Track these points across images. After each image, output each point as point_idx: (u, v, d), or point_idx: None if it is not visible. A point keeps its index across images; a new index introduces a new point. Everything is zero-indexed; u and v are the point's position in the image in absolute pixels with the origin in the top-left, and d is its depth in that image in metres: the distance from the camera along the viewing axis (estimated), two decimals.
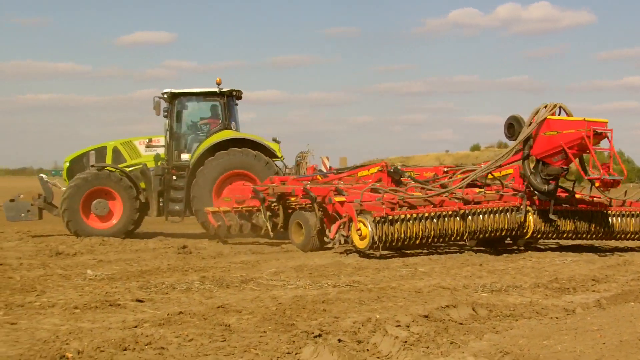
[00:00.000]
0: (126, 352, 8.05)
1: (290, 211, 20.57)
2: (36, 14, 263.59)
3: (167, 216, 23.67)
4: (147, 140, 24.28)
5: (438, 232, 17.88)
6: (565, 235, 19.48)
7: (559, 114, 18.49)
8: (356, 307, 11.11)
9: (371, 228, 17.05)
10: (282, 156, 23.80)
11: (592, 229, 19.64)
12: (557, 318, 10.41)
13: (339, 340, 8.56)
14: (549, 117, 18.19)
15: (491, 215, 18.42)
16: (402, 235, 17.45)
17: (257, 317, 10.23)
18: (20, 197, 23.99)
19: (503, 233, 18.78)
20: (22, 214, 23.71)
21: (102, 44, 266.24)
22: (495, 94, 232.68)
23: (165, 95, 23.66)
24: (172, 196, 23.43)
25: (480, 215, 18.34)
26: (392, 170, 19.92)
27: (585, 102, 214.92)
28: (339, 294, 12.27)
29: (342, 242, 17.81)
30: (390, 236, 17.27)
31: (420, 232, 17.65)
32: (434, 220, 17.80)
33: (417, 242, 17.85)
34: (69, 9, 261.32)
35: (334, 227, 17.88)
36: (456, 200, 18.43)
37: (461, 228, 18.09)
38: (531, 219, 18.76)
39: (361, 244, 17.31)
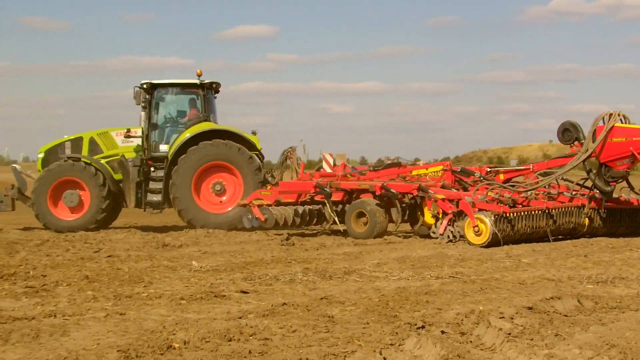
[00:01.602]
0: (231, 343, 8.13)
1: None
2: (140, 11, 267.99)
3: (145, 207, 23.62)
4: (126, 131, 24.00)
5: (534, 228, 18.83)
6: (615, 230, 20.47)
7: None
8: (459, 298, 11.04)
9: (491, 225, 17.53)
10: (260, 148, 23.68)
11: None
12: None
13: (442, 332, 8.51)
14: (616, 125, 19.21)
15: (566, 213, 19.45)
16: (511, 232, 18.19)
17: (360, 308, 10.24)
18: None
19: (570, 229, 19.75)
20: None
21: (205, 38, 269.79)
22: (599, 82, 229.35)
23: (144, 86, 23.47)
24: (150, 187, 23.32)
25: (560, 213, 19.32)
26: (459, 170, 21.15)
27: None
28: (442, 285, 12.22)
29: (451, 237, 18.48)
30: (504, 232, 17.94)
31: (522, 228, 18.52)
32: (533, 217, 18.78)
33: (518, 237, 18.42)
34: (172, 4, 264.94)
35: (443, 223, 18.55)
36: (544, 200, 19.38)
37: (547, 224, 19.00)
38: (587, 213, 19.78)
39: (477, 240, 17.73)
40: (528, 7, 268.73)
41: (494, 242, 17.62)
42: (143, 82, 23.44)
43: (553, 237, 18.88)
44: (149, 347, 7.82)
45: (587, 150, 19.37)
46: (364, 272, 13.76)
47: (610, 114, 19.33)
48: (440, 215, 18.92)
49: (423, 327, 8.78)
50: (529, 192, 19.49)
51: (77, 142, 24.00)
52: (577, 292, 11.24)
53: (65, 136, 24.43)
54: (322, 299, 10.94)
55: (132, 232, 21.34)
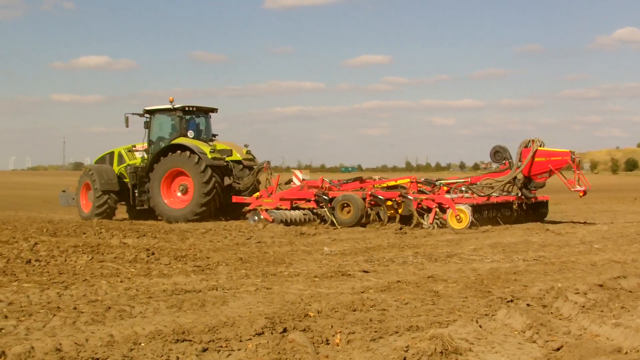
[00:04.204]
0: (355, 312, 8.16)
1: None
2: (284, 45, 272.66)
3: (137, 204, 24.74)
4: (132, 147, 25.75)
5: (492, 215, 20.95)
6: (528, 216, 22.38)
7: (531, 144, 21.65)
8: (541, 277, 10.87)
9: (470, 213, 19.59)
10: (241, 158, 24.35)
11: (539, 212, 23.14)
12: None
13: (528, 305, 8.42)
14: (539, 148, 21.22)
15: (506, 206, 21.74)
16: (480, 218, 20.24)
17: (460, 285, 10.16)
18: (68, 189, 26.65)
19: (507, 216, 21.68)
20: (69, 201, 26.19)
21: (334, 66, 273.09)
22: None
23: (143, 111, 24.88)
24: (141, 189, 24.54)
25: (503, 206, 21.61)
26: (423, 181, 22.59)
27: None
28: (527, 266, 12.04)
29: (439, 225, 19.96)
30: (478, 218, 20.06)
31: (485, 216, 20.67)
32: (490, 208, 21.08)
33: (482, 222, 20.17)
34: (308, 39, 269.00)
35: (430, 216, 20.10)
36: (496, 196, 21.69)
37: (496, 214, 21.18)
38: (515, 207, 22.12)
39: (459, 225, 19.57)
40: (596, 37, 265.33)
41: (472, 226, 19.52)
42: (144, 108, 25.06)
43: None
44: (289, 315, 7.91)
45: (519, 167, 21.34)
46: (463, 256, 13.66)
47: (533, 140, 21.47)
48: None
49: (512, 300, 8.70)
50: (487, 192, 21.38)
51: (111, 156, 25.88)
52: None
53: (105, 151, 26.24)
54: (429, 277, 10.90)
55: (275, 224, 21.57)
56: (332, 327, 7.35)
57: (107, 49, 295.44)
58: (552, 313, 8.08)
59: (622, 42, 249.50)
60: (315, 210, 21.96)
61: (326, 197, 21.52)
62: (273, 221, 20.79)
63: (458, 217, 19.65)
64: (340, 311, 8.17)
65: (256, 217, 21.33)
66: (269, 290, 9.80)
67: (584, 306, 8.19)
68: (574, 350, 6.44)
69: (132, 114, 24.79)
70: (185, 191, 23.72)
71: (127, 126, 24.62)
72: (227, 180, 23.73)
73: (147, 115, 24.90)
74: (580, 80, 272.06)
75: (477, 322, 7.66)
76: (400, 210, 20.92)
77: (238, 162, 24.29)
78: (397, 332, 7.20)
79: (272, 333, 7.08)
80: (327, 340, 6.85)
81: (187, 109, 24.52)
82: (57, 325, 7.49)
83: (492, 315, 7.93)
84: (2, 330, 7.22)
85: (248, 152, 24.83)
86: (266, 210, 21.50)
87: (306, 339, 6.66)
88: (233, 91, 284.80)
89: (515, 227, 19.89)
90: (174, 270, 11.61)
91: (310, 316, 7.93)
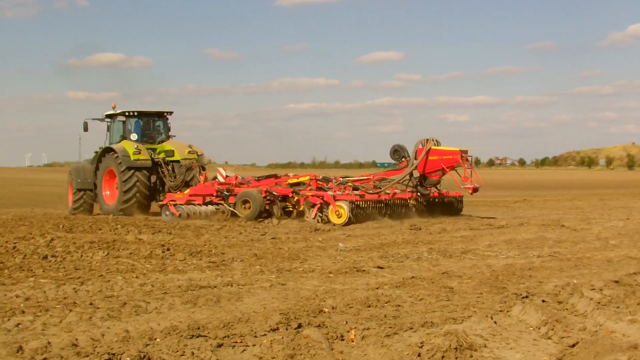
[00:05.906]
0: (370, 308, 8.16)
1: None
2: (297, 42, 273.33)
3: (96, 200, 25.82)
4: (99, 148, 26.41)
5: (379, 212, 21.32)
6: (433, 211, 22.76)
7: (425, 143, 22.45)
8: (557, 273, 10.84)
9: (349, 210, 20.26)
10: (180, 158, 25.61)
11: (451, 208, 23.68)
12: None
13: (543, 301, 8.38)
14: (432, 147, 22.03)
15: (399, 204, 22.13)
16: (364, 214, 20.83)
17: (475, 281, 10.15)
18: None
19: (403, 213, 22.07)
20: None
21: (346, 63, 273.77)
22: None
23: (104, 116, 26.60)
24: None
25: (394, 203, 21.95)
26: (321, 179, 23.32)
27: None
28: (543, 262, 12.01)
29: (320, 220, 20.63)
30: (357, 214, 20.58)
31: (370, 212, 21.08)
32: (376, 205, 21.41)
33: (367, 218, 20.74)
34: (321, 36, 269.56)
35: (313, 211, 20.94)
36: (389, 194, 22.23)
37: (386, 210, 21.59)
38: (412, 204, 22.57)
39: (338, 221, 20.18)
40: (609, 33, 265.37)
41: (350, 222, 20.05)
42: (104, 113, 26.67)
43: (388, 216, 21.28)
44: (304, 311, 7.92)
45: (413, 165, 22.16)
46: (477, 252, 13.63)
47: (427, 139, 22.28)
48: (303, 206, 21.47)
49: (527, 296, 8.67)
50: (378, 190, 21.96)
51: (97, 156, 26.36)
52: None
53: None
54: (443, 273, 10.89)
55: (290, 220, 21.59)
56: (346, 323, 7.36)
57: (121, 46, 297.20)
58: (567, 309, 8.05)
59: (635, 37, 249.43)
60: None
61: (226, 193, 22.63)
62: (180, 216, 21.80)
63: (338, 213, 20.37)
64: (355, 307, 8.17)
65: (167, 212, 22.32)
66: (284, 286, 9.82)
67: (599, 302, 8.15)
68: (589, 347, 6.41)
69: (93, 119, 26.77)
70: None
71: (85, 130, 26.69)
72: (153, 179, 25.27)
73: (108, 120, 26.54)
74: (594, 76, 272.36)
75: (491, 318, 7.64)
76: (300, 207, 21.91)
77: (177, 161, 25.60)
78: (411, 328, 7.19)
79: (286, 329, 7.08)
80: (342, 336, 6.85)
81: (127, 113, 26.03)
82: (74, 320, 7.53)
83: (507, 312, 7.91)
84: (19, 326, 7.27)
85: (190, 152, 25.93)
86: (174, 205, 22.41)
87: (321, 335, 6.67)
88: (246, 88, 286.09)
89: (530, 223, 19.81)
90: (189, 266, 11.64)
91: (324, 312, 7.93)
